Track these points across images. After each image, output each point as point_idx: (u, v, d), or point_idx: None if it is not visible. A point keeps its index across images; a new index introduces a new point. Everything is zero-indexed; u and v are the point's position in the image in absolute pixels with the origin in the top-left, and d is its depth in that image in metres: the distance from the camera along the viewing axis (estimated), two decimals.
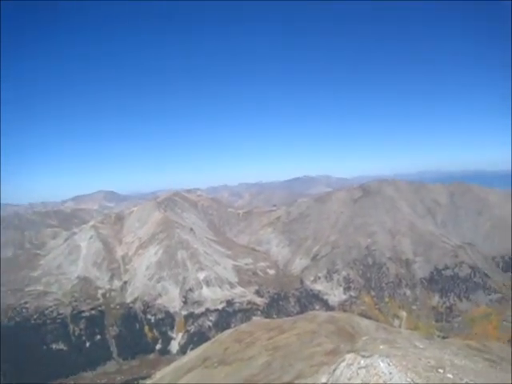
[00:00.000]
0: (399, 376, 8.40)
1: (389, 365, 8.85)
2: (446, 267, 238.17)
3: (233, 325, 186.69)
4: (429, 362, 30.75)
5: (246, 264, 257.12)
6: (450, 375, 28.18)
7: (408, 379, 7.98)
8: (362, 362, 9.08)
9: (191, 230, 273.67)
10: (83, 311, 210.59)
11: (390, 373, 8.57)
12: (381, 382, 8.10)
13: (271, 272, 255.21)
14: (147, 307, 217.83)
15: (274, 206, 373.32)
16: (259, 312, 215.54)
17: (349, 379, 8.67)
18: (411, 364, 29.22)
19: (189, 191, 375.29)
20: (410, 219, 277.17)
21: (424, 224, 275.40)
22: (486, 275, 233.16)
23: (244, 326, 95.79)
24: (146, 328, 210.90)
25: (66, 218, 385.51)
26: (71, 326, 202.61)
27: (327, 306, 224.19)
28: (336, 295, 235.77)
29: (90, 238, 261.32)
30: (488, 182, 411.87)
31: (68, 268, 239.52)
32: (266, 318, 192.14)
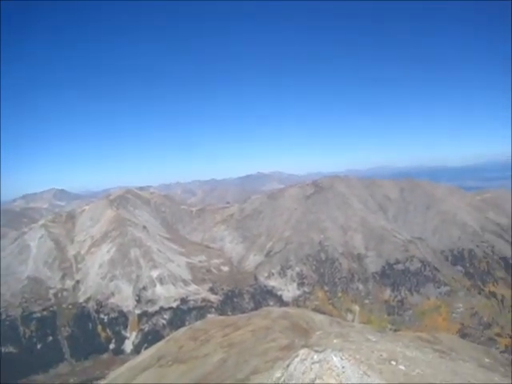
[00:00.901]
0: (352, 369, 8.69)
1: (341, 359, 9.11)
2: (397, 261, 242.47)
3: (187, 323, 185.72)
4: (381, 355, 31.51)
5: (200, 261, 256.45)
6: (402, 367, 28.97)
7: (360, 372, 8.28)
8: (316, 356, 9.33)
9: (144, 227, 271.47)
10: (34, 312, 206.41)
11: (343, 366, 8.85)
12: (334, 375, 8.38)
13: (225, 269, 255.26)
14: (100, 306, 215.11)
15: (228, 202, 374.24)
16: (214, 309, 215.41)
17: (302, 374, 8.91)
18: (364, 357, 29.92)
19: (141, 189, 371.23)
20: (362, 215, 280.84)
21: (375, 219, 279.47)
22: (435, 269, 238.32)
23: (199, 324, 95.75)
24: (99, 328, 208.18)
25: (15, 217, 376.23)
26: (21, 328, 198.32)
27: (281, 302, 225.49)
28: (290, 291, 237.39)
29: (41, 237, 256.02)
30: (436, 178, 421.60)
31: (17, 268, 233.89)
32: (221, 315, 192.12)
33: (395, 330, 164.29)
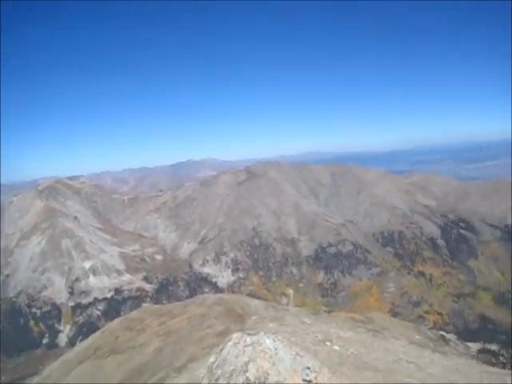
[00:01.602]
0: (284, 351, 9.03)
1: (274, 341, 9.45)
2: (330, 245, 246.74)
3: (122, 313, 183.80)
4: (316, 336, 32.42)
5: (134, 250, 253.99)
6: (336, 347, 29.91)
7: (293, 353, 8.63)
8: (248, 339, 9.60)
9: (75, 218, 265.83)
10: None
11: (276, 348, 9.18)
12: (267, 357, 8.71)
13: (159, 257, 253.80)
14: (32, 300, 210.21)
15: (160, 190, 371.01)
16: (149, 298, 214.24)
17: (236, 357, 9.18)
18: (300, 339, 30.74)
19: (71, 178, 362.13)
20: (294, 200, 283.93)
21: (307, 204, 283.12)
22: (366, 251, 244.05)
23: (134, 314, 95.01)
24: (32, 322, 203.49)
25: None
26: None
27: (216, 289, 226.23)
28: (225, 277, 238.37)
29: None
30: (365, 163, 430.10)
31: None
32: (156, 304, 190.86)
33: (329, 312, 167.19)
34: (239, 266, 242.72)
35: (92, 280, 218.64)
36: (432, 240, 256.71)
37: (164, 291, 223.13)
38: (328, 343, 30.34)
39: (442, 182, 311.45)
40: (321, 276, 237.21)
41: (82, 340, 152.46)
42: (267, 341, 9.66)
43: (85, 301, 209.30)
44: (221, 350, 10.53)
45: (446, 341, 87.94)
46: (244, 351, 9.85)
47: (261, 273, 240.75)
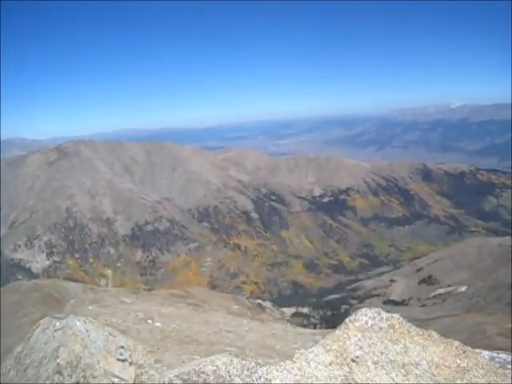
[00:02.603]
0: (96, 332, 9.03)
1: (85, 322, 9.39)
2: (147, 223, 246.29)
3: None
4: (137, 315, 32.56)
5: None
6: (158, 324, 30.30)
7: (105, 333, 8.69)
8: (58, 324, 9.43)
9: None
10: None
11: (87, 330, 9.12)
12: (78, 340, 8.66)
13: None
14: None
15: None
16: None
17: (45, 344, 8.98)
18: (121, 319, 30.71)
19: None
20: (109, 178, 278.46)
21: (122, 182, 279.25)
22: (183, 227, 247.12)
23: None
24: None
25: None
26: None
27: (31, 275, 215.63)
28: (39, 262, 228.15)
29: None
30: (180, 140, 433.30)
31: None
32: None
33: (149, 290, 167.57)
34: (54, 249, 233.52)
35: None
36: (246, 213, 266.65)
37: None
38: (149, 321, 30.62)
39: (254, 158, 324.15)
40: (139, 255, 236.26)
41: None
42: (78, 323, 9.65)
43: None
44: (28, 338, 10.32)
45: (262, 308, 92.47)
46: (54, 336, 9.74)
47: (77, 255, 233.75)
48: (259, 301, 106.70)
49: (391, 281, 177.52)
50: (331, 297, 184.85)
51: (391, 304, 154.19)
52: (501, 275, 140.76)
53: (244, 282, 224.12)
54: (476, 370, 5.08)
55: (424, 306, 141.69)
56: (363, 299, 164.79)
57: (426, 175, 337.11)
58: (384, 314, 5.37)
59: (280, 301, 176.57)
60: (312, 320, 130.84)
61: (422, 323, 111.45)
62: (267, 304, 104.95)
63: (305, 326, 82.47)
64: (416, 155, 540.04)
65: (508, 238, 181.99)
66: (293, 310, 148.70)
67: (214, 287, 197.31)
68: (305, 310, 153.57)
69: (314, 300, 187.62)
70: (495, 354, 32.35)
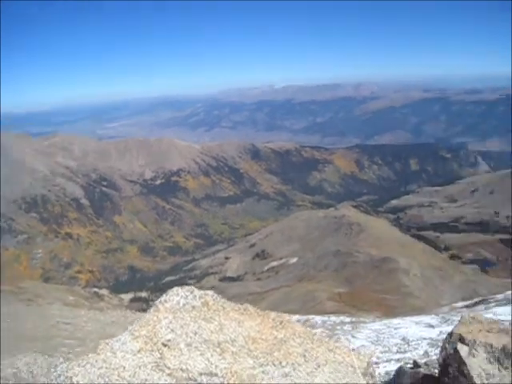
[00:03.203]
0: None
1: None
2: None
3: None
4: None
5: None
6: None
7: None
8: None
9: None
10: None
11: None
12: None
13: None
14: None
15: None
16: None
17: None
18: None
19: None
20: None
21: None
22: (10, 219, 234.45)
23: None
24: None
25: None
26: None
27: None
28: None
29: None
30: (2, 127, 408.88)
31: None
32: None
33: None
34: None
35: None
36: (76, 200, 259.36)
37: None
38: None
39: (82, 142, 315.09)
40: None
41: None
42: None
43: None
44: None
45: (100, 297, 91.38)
46: None
47: None
48: (96, 289, 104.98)
49: (226, 258, 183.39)
50: (168, 279, 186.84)
51: (227, 280, 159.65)
52: (327, 244, 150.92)
53: (79, 272, 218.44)
54: (293, 339, 5.35)
55: (259, 279, 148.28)
56: (200, 279, 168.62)
57: (255, 154, 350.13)
58: (197, 292, 5.59)
59: (118, 287, 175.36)
60: (151, 304, 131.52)
61: (258, 296, 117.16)
62: (104, 292, 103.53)
63: (144, 311, 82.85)
64: (244, 135, 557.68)
65: (332, 209, 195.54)
66: (131, 295, 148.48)
67: (47, 279, 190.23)
68: (143, 295, 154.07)
69: (152, 283, 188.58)
70: (326, 318, 35.29)
